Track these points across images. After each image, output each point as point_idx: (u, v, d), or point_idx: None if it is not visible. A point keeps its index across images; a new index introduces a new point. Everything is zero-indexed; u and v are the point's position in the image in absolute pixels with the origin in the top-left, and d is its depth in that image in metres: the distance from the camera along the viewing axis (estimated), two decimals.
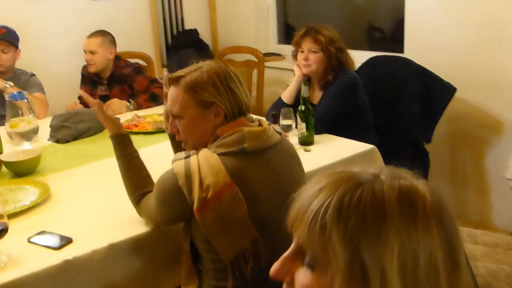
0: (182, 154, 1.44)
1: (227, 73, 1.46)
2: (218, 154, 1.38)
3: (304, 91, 2.21)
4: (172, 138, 1.71)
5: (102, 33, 3.18)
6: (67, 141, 2.43)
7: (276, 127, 2.02)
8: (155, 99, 3.09)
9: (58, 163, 2.18)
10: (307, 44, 2.47)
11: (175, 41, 4.47)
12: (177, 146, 1.66)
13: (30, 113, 2.48)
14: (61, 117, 2.50)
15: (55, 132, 2.46)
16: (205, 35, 4.56)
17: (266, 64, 3.87)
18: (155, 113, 2.74)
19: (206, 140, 1.46)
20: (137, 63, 3.31)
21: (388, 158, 2.56)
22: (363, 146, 2.21)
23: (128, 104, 2.99)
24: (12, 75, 2.99)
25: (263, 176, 1.42)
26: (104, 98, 2.97)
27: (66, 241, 1.48)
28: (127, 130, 1.76)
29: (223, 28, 4.60)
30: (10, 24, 3.41)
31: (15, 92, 2.45)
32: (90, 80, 3.25)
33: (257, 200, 1.39)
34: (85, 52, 3.15)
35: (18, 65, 3.11)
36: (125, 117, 2.76)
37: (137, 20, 4.28)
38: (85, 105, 3.15)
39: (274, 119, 2.10)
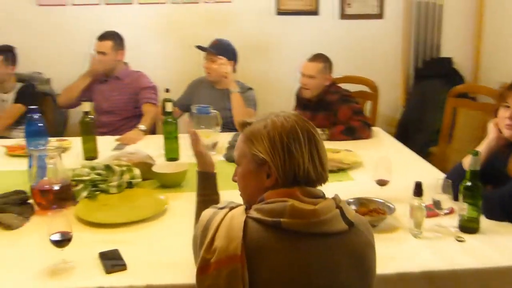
0: (223, 203, 1.28)
1: (293, 131, 1.21)
2: (249, 217, 1.16)
3: (474, 163, 1.68)
4: None
5: (324, 59, 3.09)
6: (233, 161, 2.45)
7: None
8: (351, 133, 2.86)
9: None
10: None
11: (425, 68, 4.05)
12: None
13: (214, 127, 2.60)
14: (238, 135, 2.54)
15: (228, 150, 2.52)
16: (462, 66, 3.99)
17: None
18: (342, 149, 2.52)
19: (255, 202, 1.25)
20: (346, 90, 3.11)
21: None
22: None
23: (320, 132, 2.83)
24: None
25: (290, 266, 1.12)
26: None
27: (119, 267, 1.48)
28: None
29: (486, 60, 3.93)
30: (254, 37, 3.67)
31: (201, 106, 2.60)
32: (300, 102, 3.22)
33: None
34: (302, 75, 3.11)
35: (244, 77, 3.31)
36: None
37: (387, 42, 4.05)
38: None
39: (418, 190, 1.65)
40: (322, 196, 1.22)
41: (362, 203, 1.82)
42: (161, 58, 3.95)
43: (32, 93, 3.48)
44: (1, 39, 3.60)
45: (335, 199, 1.21)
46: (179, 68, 3.86)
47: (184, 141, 2.52)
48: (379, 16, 4.01)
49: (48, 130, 2.07)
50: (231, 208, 1.21)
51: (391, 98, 4.01)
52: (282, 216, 1.13)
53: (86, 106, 2.48)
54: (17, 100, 3.41)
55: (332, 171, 2.25)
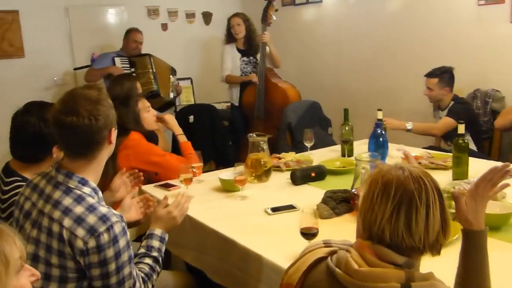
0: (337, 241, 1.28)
1: (387, 184, 1.11)
2: (329, 259, 1.18)
3: None
4: None
5: None
6: None
7: None
8: None
9: None
10: None
11: None
12: None
13: None
14: None
15: None
16: None
17: None
18: None
19: None
20: None
21: None
22: None
23: None
24: None
25: None
26: None
27: None
28: None
29: None
30: None
31: None
32: None
33: None
34: None
35: None
36: None
37: None
38: None
39: None
40: (397, 264, 1.05)
41: None
42: None
43: (463, 108, 3.57)
44: (449, 58, 3.82)
45: (409, 274, 1.02)
46: None
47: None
48: None
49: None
50: (327, 246, 1.23)
51: None
52: (339, 267, 1.11)
53: (461, 129, 2.46)
54: (448, 115, 3.59)
55: None
